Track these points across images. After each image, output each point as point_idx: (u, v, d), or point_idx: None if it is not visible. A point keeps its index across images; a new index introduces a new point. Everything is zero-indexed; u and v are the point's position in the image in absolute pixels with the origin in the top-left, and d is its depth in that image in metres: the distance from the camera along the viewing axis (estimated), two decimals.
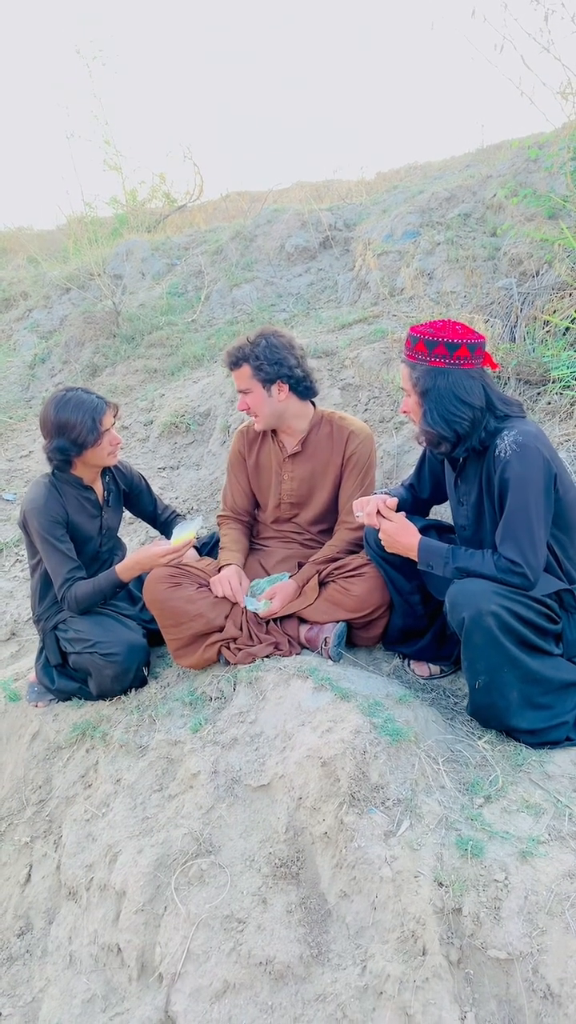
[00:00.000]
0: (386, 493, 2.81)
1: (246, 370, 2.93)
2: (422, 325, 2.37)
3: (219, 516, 3.33)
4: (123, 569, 2.96)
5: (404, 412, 2.49)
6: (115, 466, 3.22)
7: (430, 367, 2.33)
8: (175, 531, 2.99)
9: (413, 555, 2.49)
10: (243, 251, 7.77)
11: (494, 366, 2.44)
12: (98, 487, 3.11)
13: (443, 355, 2.31)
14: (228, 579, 2.91)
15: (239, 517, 3.26)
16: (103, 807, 2.59)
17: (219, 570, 3.01)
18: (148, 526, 4.53)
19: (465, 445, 2.38)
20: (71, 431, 2.83)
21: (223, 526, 3.28)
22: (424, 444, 2.48)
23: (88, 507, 3.05)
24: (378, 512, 2.58)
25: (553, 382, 3.77)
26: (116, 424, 3.01)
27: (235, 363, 2.96)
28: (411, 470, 3.97)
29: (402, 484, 2.91)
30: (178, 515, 3.49)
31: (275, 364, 2.91)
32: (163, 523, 3.44)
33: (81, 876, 2.46)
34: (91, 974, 2.29)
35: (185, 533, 2.94)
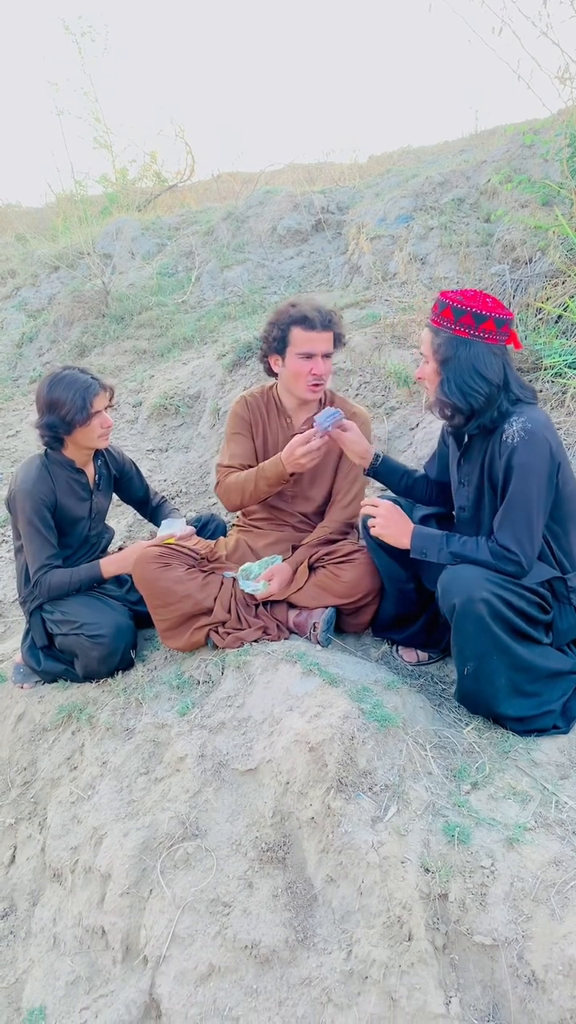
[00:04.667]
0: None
1: (332, 336, 2.88)
2: (453, 291, 2.33)
3: (222, 468, 3.10)
4: (107, 563, 2.97)
5: (419, 378, 2.45)
6: (107, 450, 3.20)
7: (454, 335, 2.29)
8: (163, 525, 3.03)
9: (406, 542, 2.47)
10: (234, 232, 7.71)
11: (518, 346, 2.41)
12: (89, 470, 3.09)
13: (469, 325, 2.27)
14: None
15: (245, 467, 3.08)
16: (89, 789, 2.58)
17: (269, 481, 2.88)
18: (135, 510, 4.51)
19: (477, 421, 2.34)
20: (60, 408, 2.81)
21: (232, 475, 3.04)
22: (436, 415, 2.45)
23: (78, 490, 3.03)
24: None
25: (545, 369, 3.76)
26: (112, 408, 2.98)
27: (329, 325, 2.86)
28: (401, 455, 3.98)
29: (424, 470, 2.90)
30: (166, 501, 3.47)
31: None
32: (153, 509, 3.42)
33: (66, 858, 2.45)
34: (75, 956, 2.28)
35: (171, 530, 2.98)
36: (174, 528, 3.01)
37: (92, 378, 2.88)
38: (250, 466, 3.06)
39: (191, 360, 5.89)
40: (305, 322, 2.83)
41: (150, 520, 3.50)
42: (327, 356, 2.90)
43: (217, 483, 3.10)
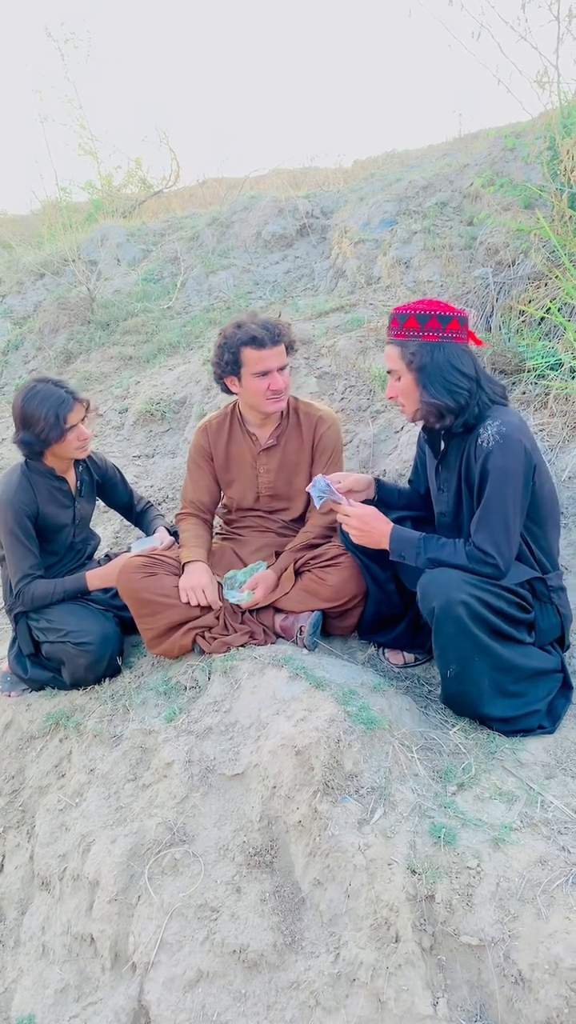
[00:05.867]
0: (378, 479, 2.81)
1: (283, 348, 2.90)
2: (406, 305, 2.36)
3: (179, 514, 3.24)
4: (92, 576, 2.98)
5: (391, 397, 2.46)
6: (89, 457, 3.20)
7: (424, 342, 2.31)
8: (135, 545, 3.07)
9: (385, 545, 2.48)
10: (220, 238, 7.71)
11: (479, 342, 2.44)
12: (71, 477, 3.09)
13: (436, 328, 2.30)
14: (202, 587, 2.82)
15: (200, 515, 3.17)
16: (77, 797, 2.58)
17: (182, 568, 2.93)
18: (121, 515, 4.50)
19: (463, 417, 2.36)
20: (35, 425, 2.81)
21: (183, 522, 3.17)
22: (426, 423, 2.45)
23: (60, 497, 3.03)
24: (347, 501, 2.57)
25: (527, 372, 3.78)
26: (89, 419, 2.97)
27: (279, 339, 2.88)
28: (387, 459, 4.00)
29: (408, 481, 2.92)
30: (151, 506, 3.47)
31: (294, 347, 2.97)
32: (138, 514, 3.43)
33: (54, 866, 2.45)
34: (64, 964, 2.28)
35: (149, 547, 3.01)
36: (146, 548, 3.04)
37: (66, 392, 2.86)
38: (206, 508, 3.19)
39: (177, 366, 5.89)
40: (254, 342, 2.84)
41: (136, 525, 3.51)
42: (282, 369, 2.91)
43: (181, 511, 3.23)
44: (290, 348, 2.95)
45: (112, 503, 3.43)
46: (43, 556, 3.05)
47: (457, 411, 2.35)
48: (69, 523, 3.08)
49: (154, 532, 3.26)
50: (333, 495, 2.57)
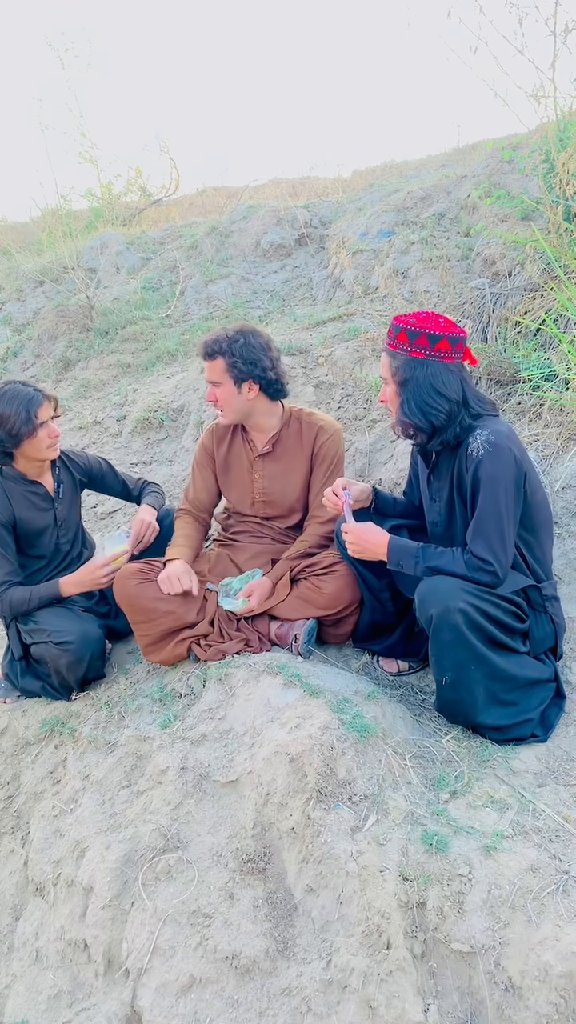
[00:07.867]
0: (374, 488, 2.84)
1: (220, 363, 2.92)
2: (406, 315, 2.38)
3: (178, 510, 3.29)
4: (66, 583, 2.99)
5: (382, 401, 2.50)
6: (67, 457, 3.22)
7: (410, 357, 2.34)
8: (106, 545, 3.07)
9: (382, 555, 2.50)
10: (219, 247, 7.75)
11: (473, 361, 2.46)
12: (47, 480, 3.11)
13: (424, 346, 2.32)
14: (177, 576, 2.85)
15: (197, 514, 3.22)
16: (71, 803, 2.59)
17: (164, 565, 2.97)
18: (121, 519, 4.52)
19: (440, 438, 2.39)
20: (5, 423, 2.84)
21: (178, 520, 3.22)
22: (399, 434, 2.49)
23: (37, 501, 3.06)
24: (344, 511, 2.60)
25: (523, 382, 3.81)
26: (57, 418, 2.99)
27: (210, 354, 2.93)
28: (383, 467, 4.02)
29: (403, 493, 2.95)
30: (147, 483, 3.49)
31: (249, 363, 2.91)
32: (138, 496, 3.44)
33: (48, 872, 2.45)
34: (57, 969, 2.29)
35: (118, 547, 3.02)
36: (116, 547, 3.04)
37: (34, 390, 2.90)
38: (204, 508, 3.24)
39: (175, 374, 5.91)
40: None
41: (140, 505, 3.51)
42: (214, 384, 2.98)
43: (179, 508, 3.29)
44: (233, 365, 2.93)
45: (109, 493, 3.46)
46: (30, 560, 3.09)
47: (429, 432, 2.38)
48: (51, 525, 3.11)
49: (142, 521, 3.24)
50: (346, 510, 2.62)
